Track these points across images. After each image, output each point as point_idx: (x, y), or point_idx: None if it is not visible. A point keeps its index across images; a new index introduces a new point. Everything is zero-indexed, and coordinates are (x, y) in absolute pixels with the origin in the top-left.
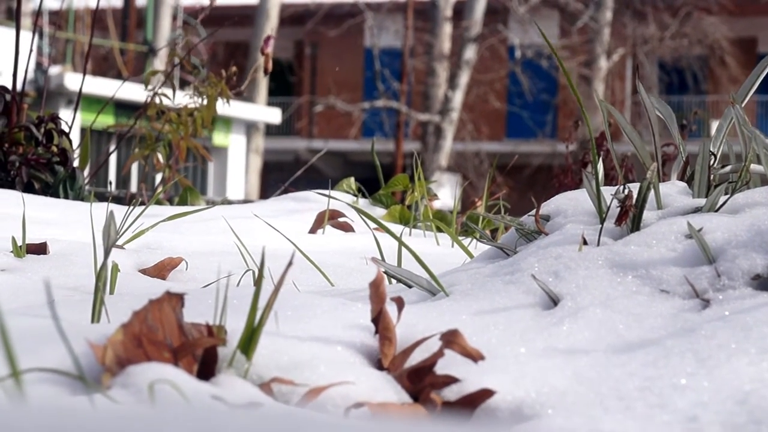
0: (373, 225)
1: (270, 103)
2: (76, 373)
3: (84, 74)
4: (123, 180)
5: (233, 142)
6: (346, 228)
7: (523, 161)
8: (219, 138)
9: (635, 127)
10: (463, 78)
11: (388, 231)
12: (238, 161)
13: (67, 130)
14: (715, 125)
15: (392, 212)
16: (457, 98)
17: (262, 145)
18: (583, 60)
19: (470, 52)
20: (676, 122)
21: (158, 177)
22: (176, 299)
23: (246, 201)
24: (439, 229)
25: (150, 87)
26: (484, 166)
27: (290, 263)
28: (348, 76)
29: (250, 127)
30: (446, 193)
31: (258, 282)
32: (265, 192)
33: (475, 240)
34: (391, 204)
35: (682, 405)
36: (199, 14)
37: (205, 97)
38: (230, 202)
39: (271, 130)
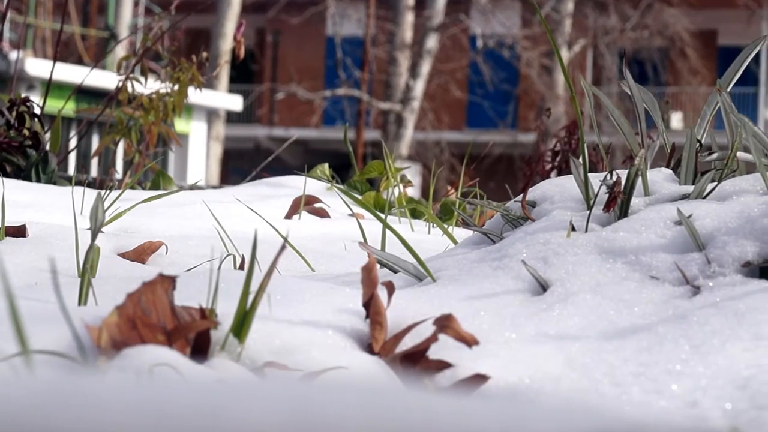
0: (350, 211)
1: (231, 91)
2: (72, 355)
3: (54, 61)
4: (82, 165)
5: (194, 129)
6: (322, 214)
7: (484, 150)
8: (180, 125)
9: (596, 117)
10: (425, 67)
11: (376, 216)
12: (199, 148)
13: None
14: (675, 117)
15: (367, 198)
16: (419, 87)
17: (222, 132)
18: (545, 50)
19: (432, 42)
20: (659, 110)
21: (119, 161)
22: (168, 282)
23: (218, 186)
24: (414, 216)
25: (121, 72)
26: (445, 156)
27: (283, 247)
28: (309, 64)
29: (211, 114)
30: None
31: (250, 266)
32: (226, 179)
33: (452, 226)
34: (366, 190)
35: (679, 391)
36: (163, 1)
37: (176, 82)
38: (200, 188)
39: (231, 118)
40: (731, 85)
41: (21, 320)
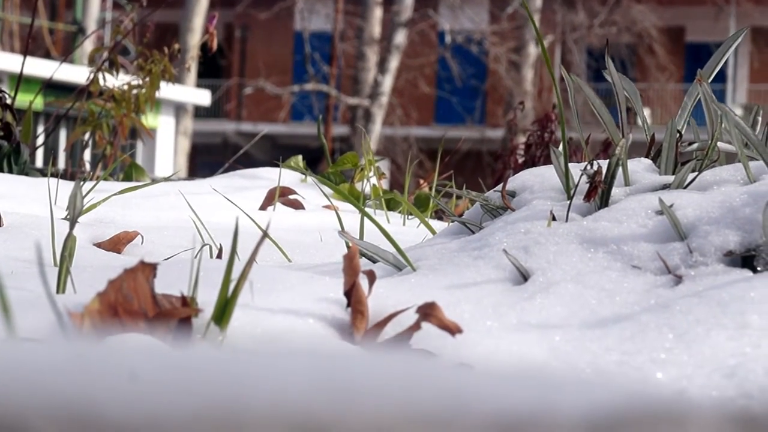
0: (326, 202)
1: (199, 85)
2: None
3: (25, 55)
4: (51, 158)
5: (162, 124)
6: (297, 205)
7: (452, 146)
8: (148, 119)
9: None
10: (393, 62)
11: (356, 205)
12: (167, 143)
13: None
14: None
15: (341, 190)
16: (387, 82)
17: (190, 126)
18: (513, 46)
19: (400, 37)
20: (640, 101)
21: (87, 154)
22: (149, 269)
23: (190, 178)
24: (388, 208)
25: (93, 64)
26: (413, 151)
27: (264, 236)
28: (277, 59)
29: (179, 109)
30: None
31: (231, 253)
32: (194, 174)
33: (427, 218)
34: (341, 182)
35: (664, 379)
36: None
37: (148, 75)
38: (172, 180)
39: (199, 112)
40: (711, 78)
41: (10, 308)
